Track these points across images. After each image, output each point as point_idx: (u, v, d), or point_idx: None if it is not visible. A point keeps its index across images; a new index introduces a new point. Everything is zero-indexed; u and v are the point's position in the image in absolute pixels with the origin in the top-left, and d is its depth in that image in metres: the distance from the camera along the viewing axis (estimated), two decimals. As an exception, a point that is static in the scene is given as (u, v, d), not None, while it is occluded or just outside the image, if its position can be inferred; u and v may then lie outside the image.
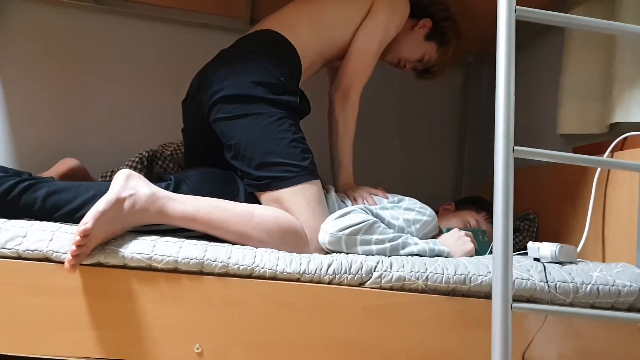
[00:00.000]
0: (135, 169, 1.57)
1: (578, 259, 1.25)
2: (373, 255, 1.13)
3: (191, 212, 1.09)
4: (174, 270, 1.00)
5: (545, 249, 1.19)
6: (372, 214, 1.23)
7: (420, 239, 1.31)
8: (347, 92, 1.47)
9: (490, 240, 1.44)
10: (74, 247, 0.92)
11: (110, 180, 1.55)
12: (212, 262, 1.00)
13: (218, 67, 1.32)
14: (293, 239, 1.15)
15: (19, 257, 0.97)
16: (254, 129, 1.22)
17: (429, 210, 1.38)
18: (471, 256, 1.27)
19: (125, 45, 2.04)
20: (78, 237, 0.92)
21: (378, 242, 1.16)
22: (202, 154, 1.43)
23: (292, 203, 1.19)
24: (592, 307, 1.10)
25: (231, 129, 1.24)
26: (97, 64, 2.02)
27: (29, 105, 1.97)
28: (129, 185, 1.05)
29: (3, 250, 0.97)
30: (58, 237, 0.99)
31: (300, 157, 1.23)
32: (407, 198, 1.41)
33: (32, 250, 0.97)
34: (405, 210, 1.34)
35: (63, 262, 0.95)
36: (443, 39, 1.62)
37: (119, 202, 1.01)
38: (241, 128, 1.23)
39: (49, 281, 0.97)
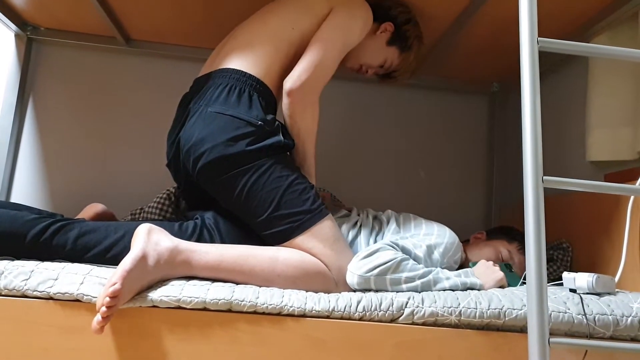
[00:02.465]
0: (163, 205, 1.59)
1: (616, 290, 1.21)
2: (404, 292, 1.11)
3: (214, 263, 1.08)
4: (203, 310, 1.00)
5: (582, 279, 1.15)
6: (399, 248, 1.21)
7: (447, 264, 1.29)
8: (304, 94, 1.27)
9: (522, 271, 1.40)
10: (104, 309, 0.90)
11: (139, 219, 1.60)
12: (240, 302, 0.99)
13: (190, 130, 1.23)
14: (320, 282, 1.14)
15: (50, 299, 0.99)
16: (246, 186, 1.17)
17: (448, 232, 1.34)
18: (502, 286, 1.25)
19: (154, 84, 2.10)
20: (108, 299, 0.91)
21: (408, 280, 1.13)
22: (209, 206, 1.33)
23: (310, 248, 1.16)
24: (634, 340, 1.06)
25: (223, 192, 1.20)
26: (126, 104, 2.08)
27: (63, 146, 2.03)
28: (151, 240, 1.04)
29: (35, 292, 0.98)
30: (89, 281, 1.00)
31: (301, 201, 1.18)
32: (423, 221, 1.38)
33: (63, 293, 0.98)
34: (425, 236, 1.31)
35: (93, 303, 0.96)
36: (405, 43, 1.54)
37: (143, 258, 1.00)
38: (233, 189, 1.18)
39: (80, 321, 0.97)
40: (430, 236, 1.31)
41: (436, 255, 1.27)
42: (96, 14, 1.77)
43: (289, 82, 1.26)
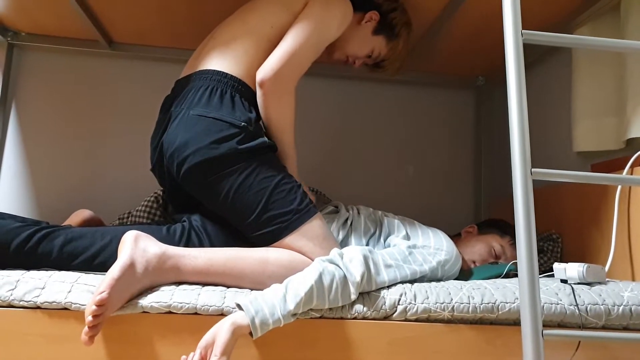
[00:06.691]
0: (151, 208, 1.58)
1: (607, 279, 1.21)
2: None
3: (204, 268, 1.07)
4: (194, 315, 0.98)
5: (572, 269, 1.16)
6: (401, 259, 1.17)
7: (445, 278, 1.26)
8: (277, 83, 1.24)
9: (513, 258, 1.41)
10: (90, 318, 0.89)
11: (127, 223, 1.58)
12: (231, 309, 0.98)
13: (173, 134, 1.21)
14: None
15: (38, 308, 0.97)
16: (232, 189, 1.16)
17: (453, 247, 1.28)
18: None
19: (138, 86, 2.08)
20: (94, 307, 0.89)
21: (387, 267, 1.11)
22: (195, 210, 1.31)
23: (300, 247, 1.16)
24: (626, 329, 1.07)
25: (210, 195, 1.19)
26: (111, 108, 2.06)
27: (47, 152, 2.01)
28: (138, 247, 1.02)
29: (22, 302, 0.96)
30: (76, 289, 0.98)
31: (288, 201, 1.17)
32: (429, 231, 1.32)
33: (51, 302, 0.96)
34: (436, 251, 1.24)
35: (82, 311, 0.94)
36: (392, 32, 1.51)
37: (132, 266, 0.98)
38: (219, 192, 1.17)
39: (69, 330, 0.96)
40: (440, 251, 1.25)
41: (440, 271, 1.23)
42: (78, 17, 1.74)
43: (261, 73, 1.23)
